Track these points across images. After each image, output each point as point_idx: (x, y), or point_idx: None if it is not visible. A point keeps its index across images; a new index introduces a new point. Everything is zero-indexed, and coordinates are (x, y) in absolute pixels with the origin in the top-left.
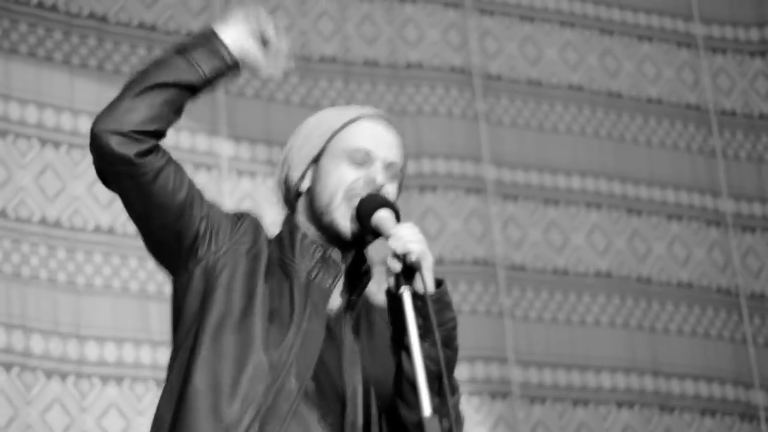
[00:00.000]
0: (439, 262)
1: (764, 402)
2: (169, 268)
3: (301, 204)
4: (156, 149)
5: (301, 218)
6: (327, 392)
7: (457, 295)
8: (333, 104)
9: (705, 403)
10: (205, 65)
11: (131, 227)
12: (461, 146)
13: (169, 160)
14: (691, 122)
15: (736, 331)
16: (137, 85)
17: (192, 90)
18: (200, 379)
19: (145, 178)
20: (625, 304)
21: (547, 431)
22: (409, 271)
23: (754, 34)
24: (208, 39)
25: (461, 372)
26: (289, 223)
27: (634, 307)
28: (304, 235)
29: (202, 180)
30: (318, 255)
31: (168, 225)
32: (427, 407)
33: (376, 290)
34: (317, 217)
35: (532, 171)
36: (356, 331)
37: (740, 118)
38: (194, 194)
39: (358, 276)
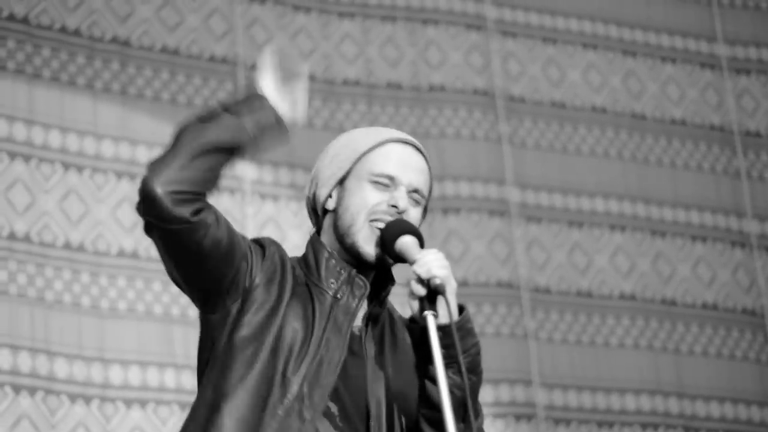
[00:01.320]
0: (462, 284)
1: None
2: (202, 303)
3: (327, 222)
4: (207, 206)
5: (326, 237)
6: (351, 410)
7: (481, 318)
8: (356, 127)
9: (730, 424)
10: (251, 125)
11: (155, 251)
12: (484, 168)
13: (215, 213)
14: (715, 143)
15: (762, 353)
16: (191, 144)
17: (241, 150)
18: (228, 416)
19: (197, 236)
20: (649, 325)
21: None
22: (432, 296)
23: None
24: (252, 99)
25: (486, 394)
26: (314, 244)
27: (659, 328)
28: (330, 255)
29: (225, 203)
30: (344, 275)
31: (212, 270)
32: (452, 428)
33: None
34: (340, 238)
35: (556, 193)
36: (381, 344)
37: (765, 139)
38: (234, 239)
39: (381, 289)
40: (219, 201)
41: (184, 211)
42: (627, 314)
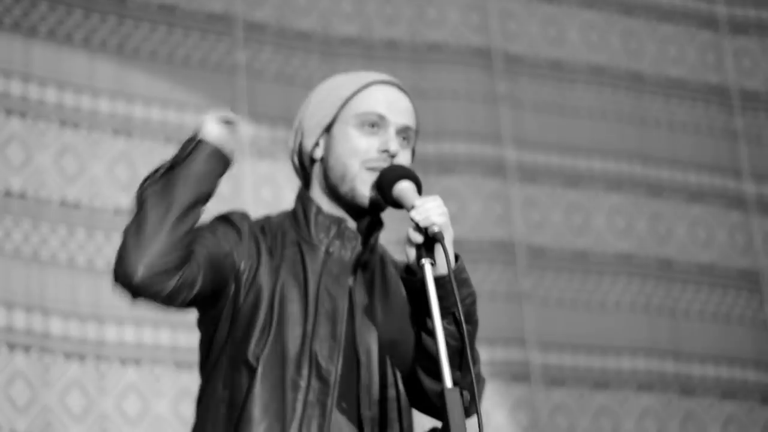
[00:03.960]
0: (458, 243)
1: None
2: (209, 307)
3: (316, 172)
4: (188, 264)
5: (316, 188)
6: (344, 359)
7: (476, 277)
8: None
9: (725, 386)
10: (213, 171)
11: None
12: (481, 127)
13: (196, 253)
14: (713, 103)
15: (758, 314)
16: (164, 218)
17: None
18: (253, 408)
19: (191, 292)
20: (645, 286)
21: (567, 414)
22: (430, 244)
23: None
24: (199, 145)
25: (480, 354)
26: (303, 200)
27: (655, 289)
28: (318, 210)
29: None
30: (334, 229)
31: (213, 293)
32: (448, 380)
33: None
34: (332, 187)
35: (553, 152)
36: (371, 291)
37: (763, 99)
38: (218, 254)
39: (369, 234)
40: (166, 152)
41: (170, 287)
42: (623, 274)
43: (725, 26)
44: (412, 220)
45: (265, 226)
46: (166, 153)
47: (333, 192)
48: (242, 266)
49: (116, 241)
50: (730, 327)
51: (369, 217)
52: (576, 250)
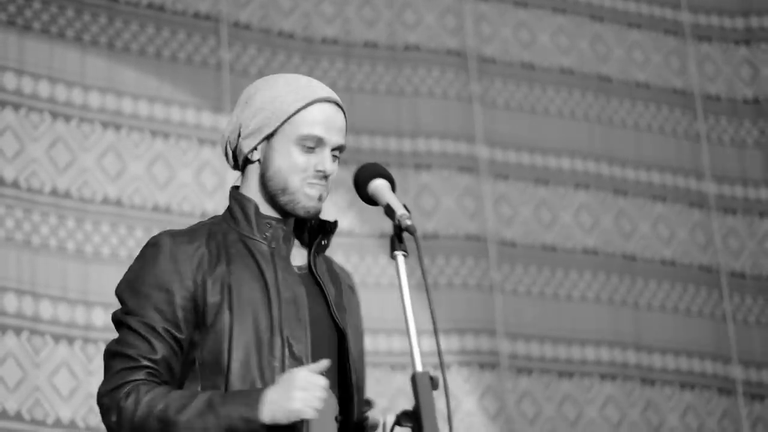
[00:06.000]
0: (433, 236)
1: (741, 376)
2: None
3: (252, 172)
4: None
5: (252, 188)
6: (324, 341)
7: (449, 269)
8: (333, 84)
9: (685, 377)
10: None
11: (138, 199)
12: (456, 126)
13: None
14: (677, 107)
15: (717, 308)
16: None
17: None
18: None
19: None
20: (610, 280)
21: (533, 401)
22: (401, 235)
23: (739, 23)
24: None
25: (452, 343)
26: (240, 200)
27: (619, 283)
28: (257, 209)
29: (206, 156)
30: (272, 229)
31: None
32: (419, 363)
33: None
34: (271, 194)
35: (524, 151)
36: (316, 283)
37: (724, 104)
38: (169, 344)
39: (317, 232)
40: (201, 153)
41: None
42: (589, 268)
43: (689, 33)
44: (395, 225)
45: (197, 232)
46: (153, 146)
47: (271, 197)
48: (191, 289)
49: (104, 229)
50: (690, 320)
51: (317, 221)
52: (545, 245)
